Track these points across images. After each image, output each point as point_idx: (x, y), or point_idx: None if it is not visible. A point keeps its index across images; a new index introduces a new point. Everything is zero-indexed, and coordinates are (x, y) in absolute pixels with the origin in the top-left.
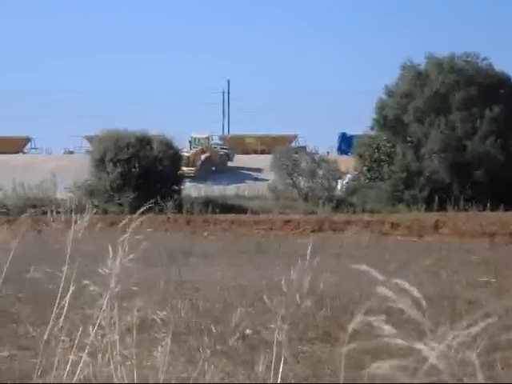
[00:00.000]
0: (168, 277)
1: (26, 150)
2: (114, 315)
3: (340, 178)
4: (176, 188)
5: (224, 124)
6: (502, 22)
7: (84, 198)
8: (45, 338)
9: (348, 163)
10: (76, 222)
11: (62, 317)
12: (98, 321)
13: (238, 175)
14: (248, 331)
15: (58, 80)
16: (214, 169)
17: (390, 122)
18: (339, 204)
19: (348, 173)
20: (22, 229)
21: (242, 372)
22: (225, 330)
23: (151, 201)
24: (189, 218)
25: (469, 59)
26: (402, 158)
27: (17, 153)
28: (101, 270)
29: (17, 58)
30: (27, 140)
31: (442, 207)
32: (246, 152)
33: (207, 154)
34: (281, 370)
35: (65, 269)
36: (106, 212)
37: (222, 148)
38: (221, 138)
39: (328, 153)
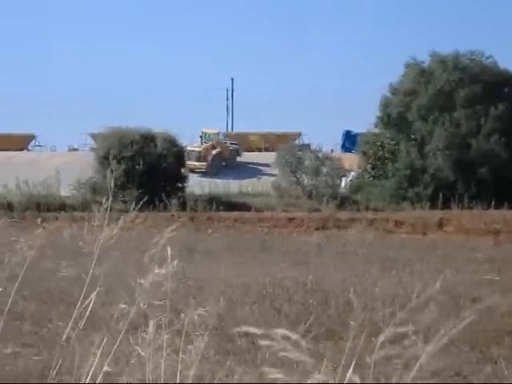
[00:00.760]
0: (172, 274)
1: (30, 148)
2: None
3: (344, 175)
4: (180, 185)
5: (228, 122)
6: (506, 19)
7: (88, 195)
8: (64, 337)
9: (352, 161)
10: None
11: (85, 317)
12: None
13: (248, 170)
14: (252, 328)
15: (63, 77)
16: (224, 164)
17: (394, 119)
18: (343, 202)
19: (352, 170)
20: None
21: (246, 370)
22: (229, 327)
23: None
24: (193, 215)
25: (473, 57)
26: (406, 155)
27: (21, 150)
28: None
29: (20, 56)
30: (31, 137)
31: (446, 205)
32: (250, 150)
33: (218, 149)
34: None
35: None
36: (110, 209)
37: (232, 143)
38: (225, 136)
39: (332, 150)
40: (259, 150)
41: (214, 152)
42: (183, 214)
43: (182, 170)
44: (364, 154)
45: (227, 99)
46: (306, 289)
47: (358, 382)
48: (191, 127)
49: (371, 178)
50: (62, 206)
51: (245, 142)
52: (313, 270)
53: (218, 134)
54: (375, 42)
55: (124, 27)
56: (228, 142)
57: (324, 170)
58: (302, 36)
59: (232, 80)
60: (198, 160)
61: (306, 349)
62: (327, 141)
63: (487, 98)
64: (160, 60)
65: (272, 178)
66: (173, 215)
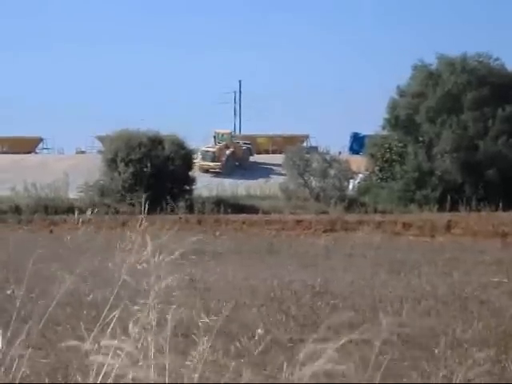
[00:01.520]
0: (179, 276)
1: (38, 150)
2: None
3: (352, 177)
4: (187, 188)
5: (235, 124)
6: None
7: (95, 197)
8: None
9: (360, 163)
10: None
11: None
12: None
13: (262, 170)
14: (260, 331)
15: (70, 80)
16: (237, 164)
17: (402, 121)
18: (351, 204)
19: (360, 173)
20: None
21: (253, 372)
22: (236, 329)
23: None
24: (200, 217)
25: (481, 59)
26: (413, 157)
27: (29, 153)
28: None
29: (27, 59)
30: (39, 140)
31: (454, 207)
32: (258, 152)
33: (232, 149)
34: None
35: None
36: (117, 212)
37: (245, 143)
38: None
39: (340, 153)
40: (267, 152)
41: (227, 152)
42: (191, 217)
43: (190, 173)
44: (372, 156)
45: (235, 101)
46: (314, 291)
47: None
48: (199, 129)
49: (379, 180)
50: (70, 209)
51: (253, 144)
52: (321, 272)
53: (231, 134)
54: (383, 45)
55: (131, 28)
56: (241, 142)
57: (332, 172)
58: (310, 38)
59: (240, 82)
60: (213, 160)
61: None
62: (335, 143)
63: (495, 100)
64: (167, 62)
65: (284, 178)
66: (180, 218)
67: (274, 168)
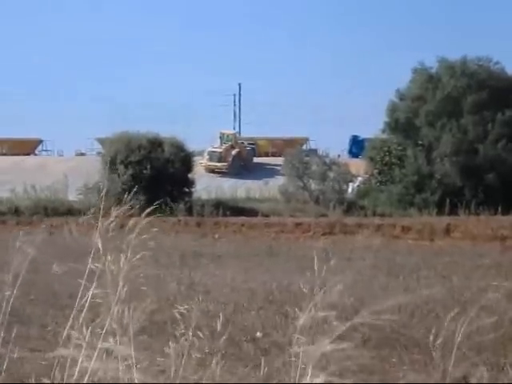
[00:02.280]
0: (179, 279)
1: (37, 152)
2: (125, 315)
3: (351, 181)
4: (187, 190)
5: (235, 127)
6: None
7: (95, 199)
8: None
9: (359, 166)
10: None
11: (81, 318)
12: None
13: (266, 170)
14: (259, 334)
15: (70, 81)
16: (241, 164)
17: (402, 125)
18: (350, 207)
19: (359, 176)
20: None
21: (252, 375)
22: (235, 332)
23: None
24: (199, 220)
25: (481, 63)
26: (413, 161)
27: (28, 155)
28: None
29: (27, 60)
30: (39, 142)
31: (453, 211)
32: (258, 154)
33: (237, 150)
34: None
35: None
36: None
37: (250, 143)
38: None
39: (339, 156)
40: (267, 154)
41: (233, 152)
42: (190, 219)
43: (189, 175)
44: (371, 159)
45: (234, 104)
46: (313, 294)
47: None
48: (198, 132)
49: (378, 184)
50: (70, 211)
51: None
52: (319, 275)
53: (236, 134)
54: (383, 47)
55: (130, 29)
56: (245, 143)
57: (331, 175)
58: (309, 40)
59: (239, 85)
60: (220, 161)
61: None
62: (334, 146)
63: (494, 103)
64: (166, 64)
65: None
66: (179, 220)
67: (278, 168)
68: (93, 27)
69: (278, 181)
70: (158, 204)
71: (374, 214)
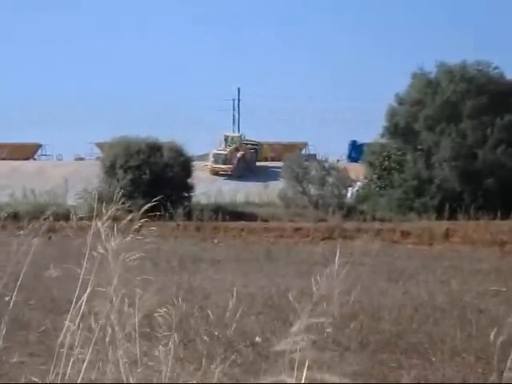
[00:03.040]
0: (178, 283)
1: (36, 157)
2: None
3: (350, 185)
4: (186, 195)
5: (234, 131)
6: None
7: (94, 204)
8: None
9: (358, 171)
10: None
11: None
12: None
13: (270, 173)
14: (258, 339)
15: (68, 85)
16: (245, 167)
17: (401, 129)
18: (349, 212)
19: (358, 181)
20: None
21: (252, 381)
22: (234, 337)
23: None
24: (199, 224)
25: (480, 68)
26: (412, 165)
27: (27, 159)
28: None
29: (24, 65)
30: (38, 146)
31: (452, 216)
32: (257, 159)
33: (242, 152)
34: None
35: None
36: (116, 219)
37: (253, 145)
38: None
39: (338, 161)
40: (266, 159)
41: (238, 155)
42: (189, 224)
43: (189, 180)
44: (370, 164)
45: (233, 109)
46: (312, 300)
47: None
48: (198, 136)
49: (377, 189)
50: (69, 215)
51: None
52: (318, 280)
53: (240, 137)
54: (382, 52)
55: (130, 33)
56: (249, 145)
57: (330, 180)
58: (309, 45)
59: (238, 90)
60: (225, 163)
61: None
62: (333, 151)
63: (494, 108)
64: (168, 66)
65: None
66: (179, 225)
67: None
68: (92, 31)
69: (281, 183)
70: (155, 201)
71: (374, 219)
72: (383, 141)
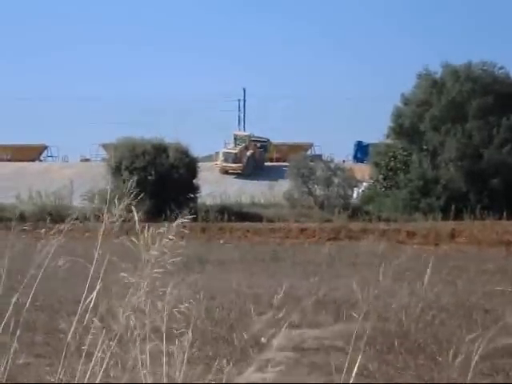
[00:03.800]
0: (184, 284)
1: (42, 158)
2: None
3: (356, 186)
4: (192, 196)
5: (241, 131)
6: None
7: (100, 205)
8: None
9: (364, 171)
10: None
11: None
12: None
13: (279, 171)
14: (263, 339)
15: (75, 87)
16: (254, 165)
17: (407, 130)
18: (355, 212)
19: (364, 181)
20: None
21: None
22: (240, 338)
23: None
24: (204, 225)
25: (485, 68)
26: (418, 166)
27: (33, 160)
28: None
29: (31, 66)
30: (44, 148)
31: (458, 216)
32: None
33: (251, 151)
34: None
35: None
36: (122, 220)
37: (263, 142)
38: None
39: (344, 161)
40: (271, 159)
41: (248, 153)
42: (195, 225)
43: (194, 181)
44: (376, 164)
45: (239, 109)
46: (318, 300)
47: None
48: (204, 138)
49: (383, 189)
50: (76, 217)
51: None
52: (325, 281)
53: (249, 136)
54: (388, 53)
55: (132, 34)
56: (258, 142)
57: (336, 180)
58: (314, 47)
59: (244, 90)
60: (235, 162)
61: None
62: (339, 151)
63: (499, 108)
64: (172, 68)
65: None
66: (184, 226)
67: None
68: (96, 31)
69: (272, 191)
70: (163, 210)
71: (379, 219)
72: (389, 141)
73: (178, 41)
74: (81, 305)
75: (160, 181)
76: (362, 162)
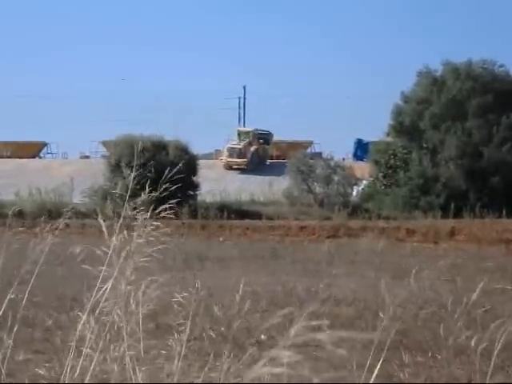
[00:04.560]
0: (182, 281)
1: (42, 155)
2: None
3: (356, 184)
4: (191, 193)
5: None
6: None
7: (100, 202)
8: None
9: (364, 169)
10: None
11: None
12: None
13: (282, 167)
14: (263, 337)
15: (75, 84)
16: (258, 161)
17: (407, 128)
18: (355, 210)
19: (364, 179)
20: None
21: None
22: (239, 335)
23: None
24: (204, 223)
25: (485, 66)
26: (418, 164)
27: (33, 157)
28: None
29: (30, 63)
30: (44, 145)
31: (458, 214)
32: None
33: (255, 146)
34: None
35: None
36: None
37: (266, 135)
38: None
39: (344, 159)
40: (271, 157)
41: (252, 149)
42: (194, 222)
43: (194, 178)
44: (376, 162)
45: (239, 107)
46: (318, 297)
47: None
48: (204, 136)
49: (383, 187)
50: (75, 214)
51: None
52: (324, 278)
53: (253, 131)
54: (388, 51)
55: (133, 33)
56: (261, 140)
57: (335, 178)
58: (314, 45)
59: (244, 88)
60: (239, 157)
61: None
62: (339, 149)
63: (499, 106)
64: (172, 67)
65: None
66: (184, 223)
67: None
68: (95, 29)
69: (272, 189)
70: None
71: (379, 217)
72: (389, 139)
73: (178, 41)
74: (91, 299)
75: (159, 178)
76: (361, 160)
